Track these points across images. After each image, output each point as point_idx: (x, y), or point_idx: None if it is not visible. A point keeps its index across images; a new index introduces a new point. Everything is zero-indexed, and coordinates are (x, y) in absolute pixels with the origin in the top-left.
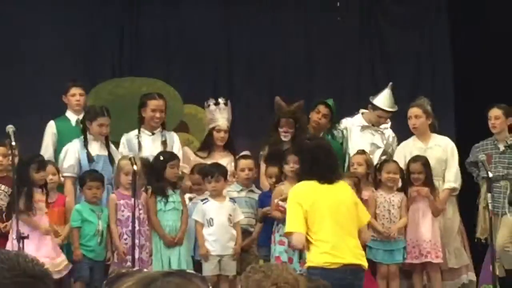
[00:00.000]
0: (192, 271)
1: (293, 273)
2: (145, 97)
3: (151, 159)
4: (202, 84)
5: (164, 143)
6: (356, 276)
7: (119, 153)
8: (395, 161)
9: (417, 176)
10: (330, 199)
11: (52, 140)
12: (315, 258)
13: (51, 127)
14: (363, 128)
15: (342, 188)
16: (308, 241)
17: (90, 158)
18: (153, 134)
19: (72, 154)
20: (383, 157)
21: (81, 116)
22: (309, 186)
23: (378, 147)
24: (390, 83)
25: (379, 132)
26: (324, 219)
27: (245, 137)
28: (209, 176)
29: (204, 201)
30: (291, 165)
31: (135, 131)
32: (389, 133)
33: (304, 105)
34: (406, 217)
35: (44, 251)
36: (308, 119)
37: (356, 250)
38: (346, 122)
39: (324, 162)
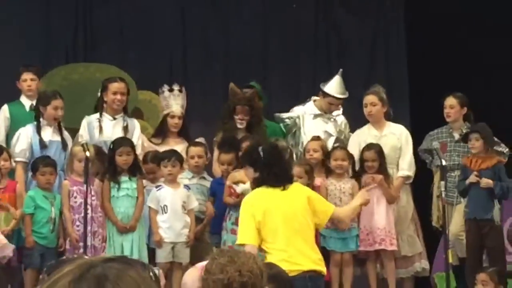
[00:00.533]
0: (133, 258)
1: (259, 263)
2: (106, 81)
3: (110, 143)
4: (156, 70)
5: (125, 128)
6: (315, 283)
7: (80, 136)
8: (343, 148)
9: (371, 164)
10: (283, 206)
11: (4, 125)
12: None
13: (3, 111)
14: (316, 116)
15: (296, 193)
16: (264, 251)
17: (42, 144)
18: (114, 119)
19: (24, 139)
20: (336, 145)
21: (35, 102)
22: (261, 195)
23: (331, 135)
24: (340, 70)
25: (331, 119)
26: (278, 228)
27: (200, 124)
28: (166, 160)
29: (158, 188)
30: None
31: (97, 115)
32: (342, 120)
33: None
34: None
35: None
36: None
37: (314, 256)
38: (298, 110)
39: (275, 167)
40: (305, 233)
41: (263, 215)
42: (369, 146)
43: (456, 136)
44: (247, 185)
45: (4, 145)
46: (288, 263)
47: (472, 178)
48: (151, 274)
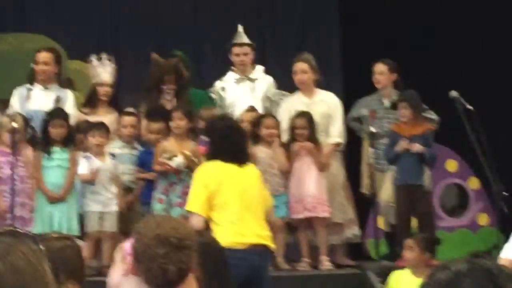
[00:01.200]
0: (25, 231)
1: (191, 227)
2: (36, 51)
3: (40, 113)
4: (87, 40)
5: (57, 99)
6: (262, 257)
7: (10, 106)
8: (273, 116)
9: (301, 132)
10: (239, 181)
11: None
12: (221, 238)
13: None
14: (238, 81)
15: (251, 172)
16: (213, 223)
17: None
18: (46, 88)
19: None
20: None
21: None
22: (217, 167)
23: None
24: (240, 26)
25: (254, 81)
26: (231, 201)
27: (133, 95)
28: (94, 130)
29: (86, 158)
30: (176, 121)
31: (27, 85)
32: (267, 80)
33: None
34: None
35: None
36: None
37: (263, 232)
38: (220, 83)
39: (233, 143)
40: (257, 210)
41: (217, 186)
42: (300, 114)
43: (386, 103)
44: (180, 158)
45: None
46: (237, 235)
47: (403, 144)
48: (41, 247)
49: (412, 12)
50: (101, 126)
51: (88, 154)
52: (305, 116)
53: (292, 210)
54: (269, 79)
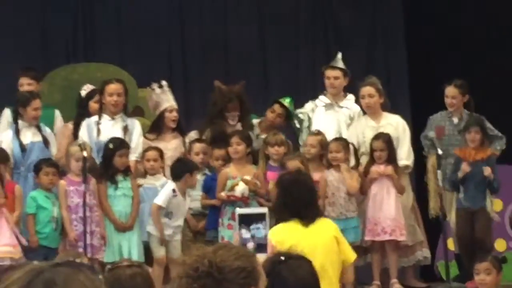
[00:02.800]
0: (83, 261)
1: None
2: (104, 83)
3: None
4: (156, 68)
5: (125, 128)
6: None
7: (80, 137)
8: (338, 140)
9: (379, 154)
10: (305, 242)
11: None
12: None
13: (6, 116)
14: (327, 107)
15: (320, 229)
16: None
17: (22, 147)
18: (113, 119)
19: (5, 145)
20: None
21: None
22: (288, 229)
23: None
24: (339, 52)
25: (343, 108)
26: None
27: (198, 121)
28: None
29: (174, 195)
30: (234, 146)
31: (96, 117)
32: (355, 109)
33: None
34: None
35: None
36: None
37: None
38: (308, 105)
39: (299, 199)
40: (326, 270)
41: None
42: (377, 136)
43: (455, 120)
44: (241, 185)
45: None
46: None
47: (464, 169)
48: (100, 277)
49: (482, 31)
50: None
51: (176, 191)
52: (383, 137)
53: (368, 233)
54: (357, 109)
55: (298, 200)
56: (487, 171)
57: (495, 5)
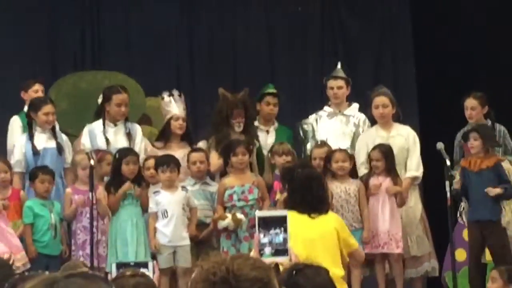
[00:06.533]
0: (95, 273)
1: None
2: (109, 91)
3: (113, 151)
4: (163, 77)
5: (128, 134)
6: None
7: (82, 144)
8: (343, 150)
9: (375, 164)
10: (307, 233)
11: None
12: None
13: (16, 122)
14: (331, 116)
15: (327, 221)
16: None
17: (35, 151)
18: (115, 125)
19: (18, 150)
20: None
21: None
22: (297, 219)
23: (346, 135)
24: (339, 62)
25: (347, 117)
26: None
27: (205, 131)
28: (165, 165)
29: (156, 193)
30: (239, 157)
31: (97, 123)
32: (360, 117)
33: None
34: (367, 209)
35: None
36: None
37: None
38: (314, 116)
39: (313, 194)
40: (324, 258)
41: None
42: (376, 146)
43: None
44: (227, 221)
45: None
46: None
47: (456, 185)
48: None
49: (491, 42)
50: (171, 160)
51: (158, 189)
52: (380, 148)
53: (368, 245)
54: (362, 117)
55: (316, 196)
56: (491, 192)
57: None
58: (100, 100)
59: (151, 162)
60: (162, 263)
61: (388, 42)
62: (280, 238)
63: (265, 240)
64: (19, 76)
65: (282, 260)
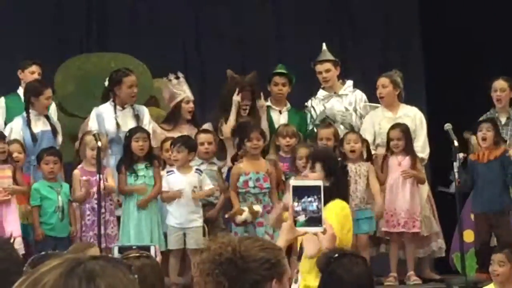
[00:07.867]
0: (119, 258)
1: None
2: (118, 75)
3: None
4: (170, 58)
5: (136, 116)
6: None
7: (89, 127)
8: (355, 132)
9: (396, 143)
10: None
11: (1, 118)
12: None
13: (1, 105)
14: (327, 98)
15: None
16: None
17: (33, 138)
18: (123, 108)
19: (15, 134)
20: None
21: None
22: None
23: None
24: (323, 44)
25: (343, 95)
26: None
27: (213, 113)
28: (177, 144)
29: (169, 173)
30: (254, 142)
31: (105, 106)
32: (357, 94)
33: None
34: (377, 184)
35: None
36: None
37: None
38: (310, 102)
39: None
40: None
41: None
42: (395, 125)
43: (503, 120)
44: (244, 215)
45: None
46: None
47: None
48: (135, 276)
49: (498, 26)
50: (181, 140)
51: (172, 169)
52: (400, 127)
53: (385, 224)
54: (358, 93)
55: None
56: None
57: None
58: (106, 83)
59: (169, 144)
60: (171, 244)
61: (395, 23)
62: (313, 206)
63: (298, 208)
64: (24, 59)
65: (315, 230)
